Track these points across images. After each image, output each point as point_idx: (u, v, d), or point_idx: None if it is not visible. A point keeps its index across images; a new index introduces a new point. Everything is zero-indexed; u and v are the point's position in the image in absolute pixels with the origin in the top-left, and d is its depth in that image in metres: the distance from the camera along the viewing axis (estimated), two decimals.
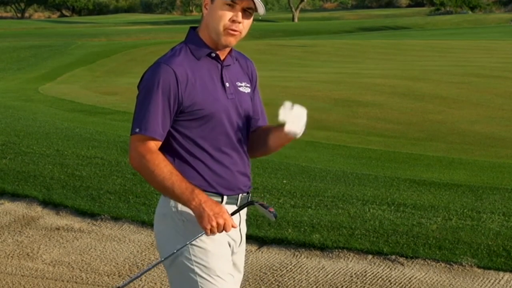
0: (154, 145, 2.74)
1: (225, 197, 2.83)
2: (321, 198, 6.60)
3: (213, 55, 2.81)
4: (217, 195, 2.81)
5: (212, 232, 2.71)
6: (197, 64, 2.78)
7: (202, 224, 2.70)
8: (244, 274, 3.06)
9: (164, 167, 2.71)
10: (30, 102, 14.55)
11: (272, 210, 2.83)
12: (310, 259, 5.23)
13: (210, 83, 2.79)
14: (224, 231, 2.73)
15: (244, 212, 2.95)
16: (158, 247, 2.90)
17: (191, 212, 2.75)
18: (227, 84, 2.82)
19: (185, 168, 2.78)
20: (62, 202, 6.63)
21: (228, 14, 2.74)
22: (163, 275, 5.01)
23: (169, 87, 2.71)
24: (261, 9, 2.76)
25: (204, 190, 2.78)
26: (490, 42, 32.47)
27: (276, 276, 4.92)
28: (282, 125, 2.75)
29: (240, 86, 2.88)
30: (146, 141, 2.73)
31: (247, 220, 3.02)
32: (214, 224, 2.69)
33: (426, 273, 4.93)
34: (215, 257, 2.78)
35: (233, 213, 2.80)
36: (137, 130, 2.72)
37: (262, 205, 2.85)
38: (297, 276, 4.93)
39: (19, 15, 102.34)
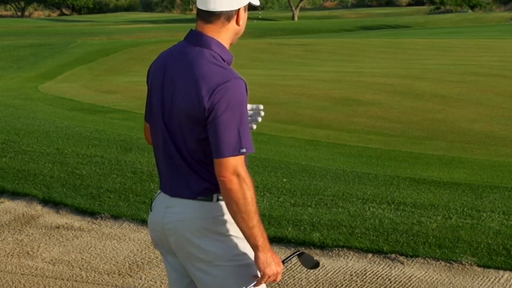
0: (244, 162, 2.74)
1: None
2: (321, 197, 6.60)
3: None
4: None
5: (268, 279, 2.77)
6: None
7: (265, 270, 2.74)
8: None
9: (255, 198, 2.72)
10: (30, 101, 14.53)
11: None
12: None
13: None
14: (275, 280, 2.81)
15: None
16: (226, 252, 2.86)
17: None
18: None
19: None
20: (62, 201, 6.63)
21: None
22: (163, 273, 5.01)
23: (247, 101, 2.75)
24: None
25: None
26: (490, 41, 32.47)
27: None
28: None
29: None
30: (243, 161, 2.71)
31: None
32: (275, 271, 2.76)
33: (426, 272, 4.94)
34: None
35: (283, 262, 2.88)
36: (244, 150, 2.68)
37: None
38: (297, 274, 4.93)
39: (19, 13, 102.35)
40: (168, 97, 2.81)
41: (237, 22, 2.81)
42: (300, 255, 3.00)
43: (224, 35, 2.81)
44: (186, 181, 2.82)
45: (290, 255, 2.98)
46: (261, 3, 3.13)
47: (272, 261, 2.75)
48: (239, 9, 2.79)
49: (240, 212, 2.68)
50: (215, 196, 2.81)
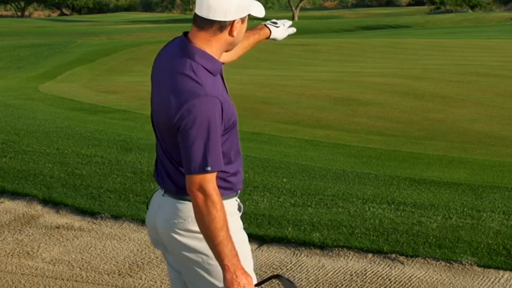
0: (214, 179, 2.73)
1: (239, 191, 2.95)
2: (321, 197, 6.60)
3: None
4: (236, 193, 2.93)
5: None
6: (216, 80, 2.79)
7: None
8: None
9: (223, 215, 2.70)
10: (30, 101, 14.53)
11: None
12: (310, 257, 5.24)
13: (225, 91, 2.82)
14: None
15: None
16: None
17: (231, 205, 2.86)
18: (226, 87, 2.88)
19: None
20: (62, 201, 6.63)
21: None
22: (163, 273, 5.01)
23: (220, 117, 2.71)
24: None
25: (230, 189, 2.87)
26: (490, 41, 32.46)
27: None
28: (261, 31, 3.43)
29: None
30: (212, 178, 2.71)
31: (244, 217, 3.05)
32: None
33: (426, 272, 4.93)
34: (247, 246, 2.94)
35: (256, 285, 2.86)
36: (209, 168, 2.68)
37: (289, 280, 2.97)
38: (297, 274, 4.93)
39: (19, 13, 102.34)
40: (156, 100, 2.85)
41: (231, 33, 2.78)
42: (279, 279, 2.95)
43: (215, 44, 2.78)
44: (172, 181, 2.86)
45: (266, 279, 2.95)
46: (261, 4, 3.11)
47: (239, 282, 2.70)
48: (234, 20, 2.76)
49: (204, 228, 2.70)
50: None
